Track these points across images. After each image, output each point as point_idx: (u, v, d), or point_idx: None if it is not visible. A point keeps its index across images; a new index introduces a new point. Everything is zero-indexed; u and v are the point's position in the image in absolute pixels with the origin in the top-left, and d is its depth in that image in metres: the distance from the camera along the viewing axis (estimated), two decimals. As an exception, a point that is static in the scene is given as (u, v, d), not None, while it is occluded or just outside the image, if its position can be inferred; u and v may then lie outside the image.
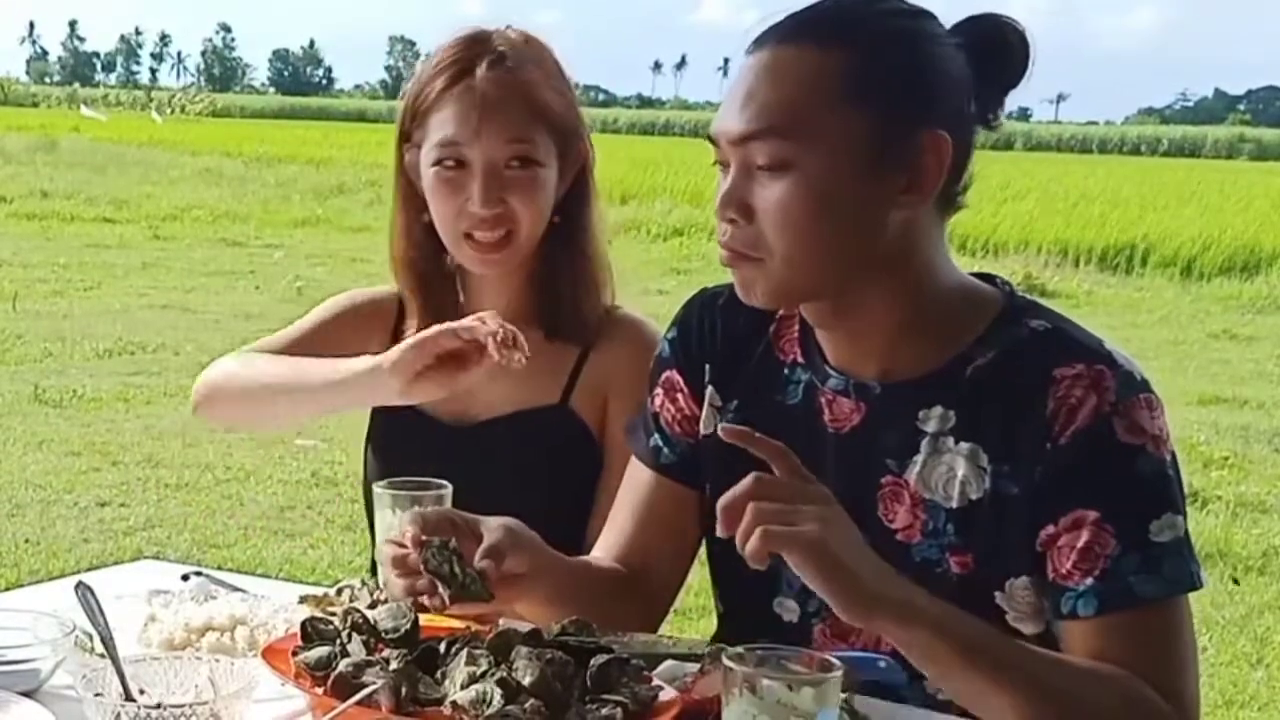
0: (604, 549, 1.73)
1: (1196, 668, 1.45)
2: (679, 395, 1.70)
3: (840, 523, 1.30)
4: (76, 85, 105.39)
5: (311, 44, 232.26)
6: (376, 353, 2.06)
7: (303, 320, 2.10)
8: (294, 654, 1.38)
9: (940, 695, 1.44)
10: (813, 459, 1.49)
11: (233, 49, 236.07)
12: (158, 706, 1.28)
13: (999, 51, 1.49)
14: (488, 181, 1.88)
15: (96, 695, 1.29)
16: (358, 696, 1.28)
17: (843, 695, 1.23)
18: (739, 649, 1.21)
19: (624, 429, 1.83)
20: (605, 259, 2.02)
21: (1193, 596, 1.45)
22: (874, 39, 1.45)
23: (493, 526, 1.51)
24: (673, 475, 1.70)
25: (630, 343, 1.99)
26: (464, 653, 1.35)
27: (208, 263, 13.27)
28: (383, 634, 1.41)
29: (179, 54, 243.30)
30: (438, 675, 1.35)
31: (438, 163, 1.91)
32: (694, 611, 4.09)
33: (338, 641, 1.40)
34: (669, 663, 1.41)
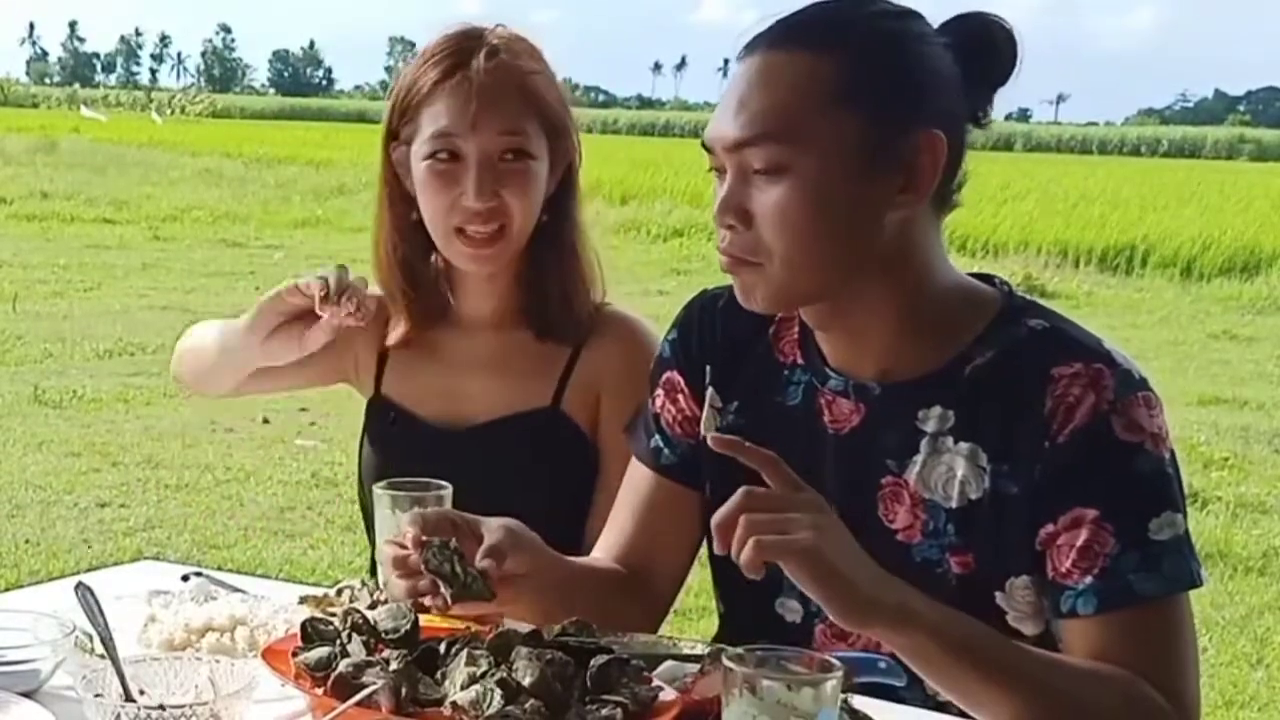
0: (604, 549, 1.73)
1: (1197, 666, 1.44)
2: (680, 396, 1.70)
3: (833, 529, 1.30)
4: (76, 86, 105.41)
5: (311, 45, 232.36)
6: (360, 352, 2.08)
7: None
8: (294, 654, 1.38)
9: (940, 696, 1.44)
10: (812, 460, 1.49)
11: (233, 50, 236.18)
12: (158, 707, 1.28)
13: (987, 50, 1.50)
14: (482, 174, 1.87)
15: (96, 696, 1.29)
16: (358, 697, 1.28)
17: (842, 695, 1.23)
18: (739, 649, 1.21)
19: (621, 428, 1.83)
20: (594, 256, 2.02)
21: (1193, 596, 1.45)
22: (864, 41, 1.46)
23: (493, 527, 1.52)
24: (673, 476, 1.70)
25: (620, 340, 1.99)
26: (464, 653, 1.35)
27: (208, 263, 13.26)
28: (383, 634, 1.41)
29: (179, 55, 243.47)
30: (438, 676, 1.35)
31: (431, 155, 1.90)
32: (694, 611, 4.10)
33: (338, 642, 1.40)
34: (669, 663, 1.41)
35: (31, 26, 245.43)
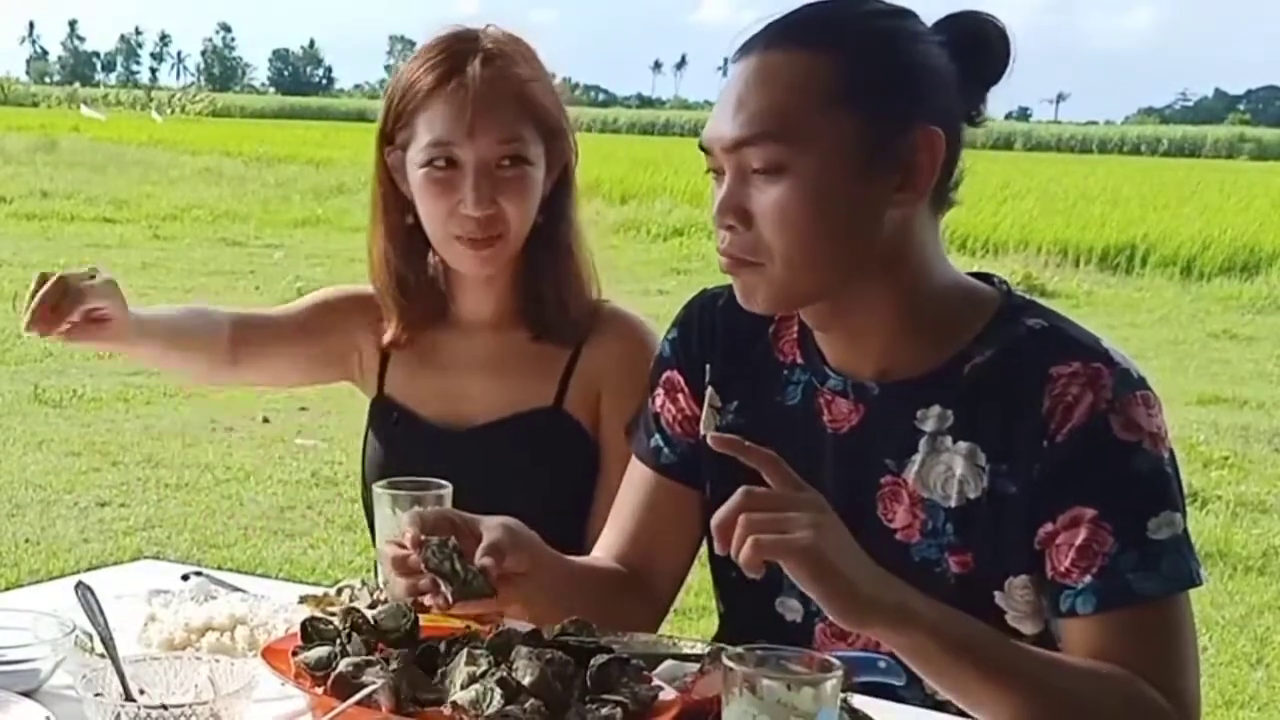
0: (604, 548, 1.73)
1: (1197, 666, 1.44)
2: (679, 395, 1.70)
3: (833, 528, 1.30)
4: (76, 85, 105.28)
5: (311, 44, 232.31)
6: (364, 350, 2.08)
7: (301, 300, 2.13)
8: (294, 654, 1.39)
9: (939, 695, 1.44)
10: (811, 460, 1.49)
11: (233, 49, 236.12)
12: (158, 706, 1.28)
13: (980, 48, 1.50)
14: (480, 182, 1.87)
15: (97, 695, 1.29)
16: (358, 696, 1.28)
17: (842, 695, 1.23)
18: (739, 649, 1.21)
19: (621, 427, 1.83)
20: (589, 255, 2.02)
21: (1193, 596, 1.45)
22: (860, 40, 1.46)
23: (492, 525, 1.52)
24: (673, 475, 1.70)
25: (619, 338, 1.99)
26: (464, 653, 1.35)
27: (208, 263, 13.26)
28: (383, 634, 1.41)
29: (179, 54, 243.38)
30: (438, 675, 1.35)
31: (428, 163, 1.89)
32: (694, 611, 4.10)
33: (338, 641, 1.40)
34: (669, 663, 1.41)
35: (31, 25, 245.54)
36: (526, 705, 1.27)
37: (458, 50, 1.90)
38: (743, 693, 1.16)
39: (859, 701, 1.34)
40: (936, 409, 1.51)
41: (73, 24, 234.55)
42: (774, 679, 1.16)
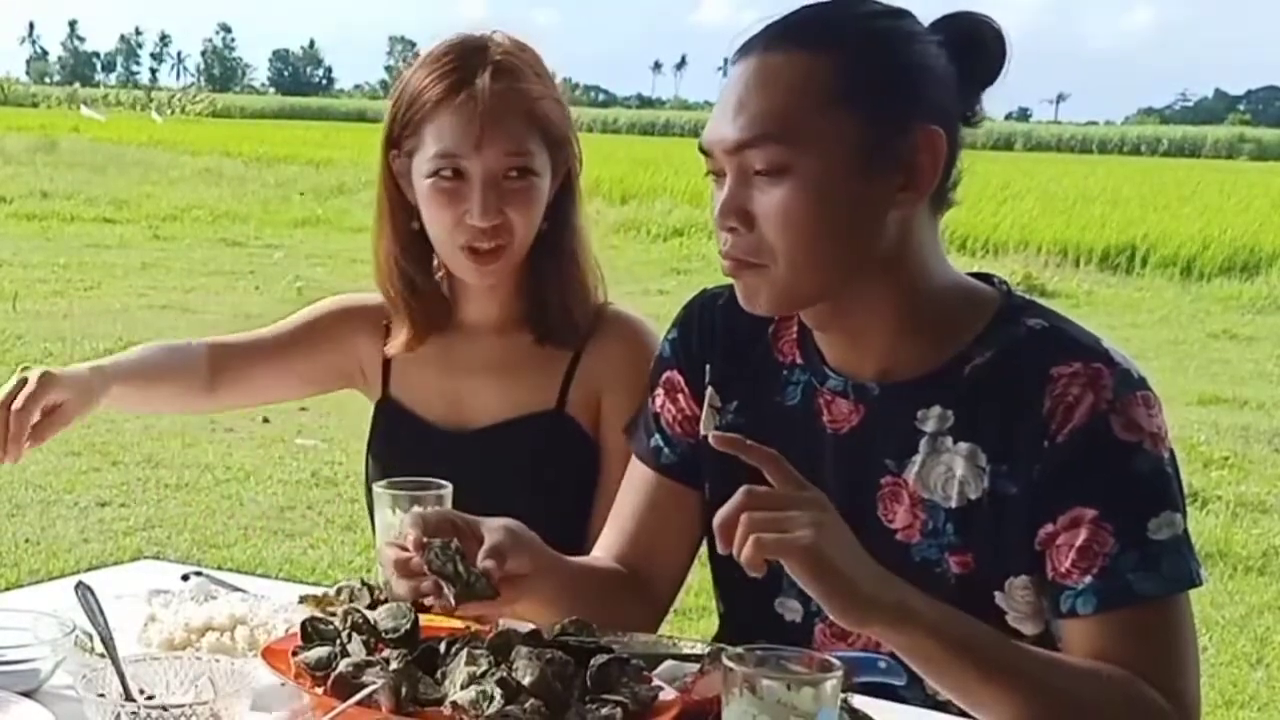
0: (604, 549, 1.73)
1: (1197, 666, 1.44)
2: (679, 395, 1.70)
3: (834, 527, 1.30)
4: (76, 85, 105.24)
5: (311, 44, 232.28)
6: (366, 358, 2.08)
7: (293, 317, 2.12)
8: (294, 654, 1.39)
9: (940, 696, 1.44)
10: (812, 460, 1.49)
11: (233, 49, 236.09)
12: (158, 706, 1.28)
13: (977, 48, 1.50)
14: (486, 193, 1.87)
15: (99, 696, 1.29)
16: (358, 696, 1.28)
17: (842, 695, 1.23)
18: (739, 649, 1.21)
19: (622, 427, 1.83)
20: (593, 260, 2.02)
21: (1193, 596, 1.45)
22: (859, 40, 1.46)
23: (493, 527, 1.51)
24: (673, 475, 1.70)
25: (620, 339, 1.99)
26: (464, 653, 1.35)
27: (208, 263, 13.26)
28: (383, 634, 1.41)
29: (179, 54, 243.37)
30: (438, 675, 1.35)
31: (435, 173, 1.89)
32: (694, 611, 4.10)
33: (338, 641, 1.40)
34: (669, 663, 1.41)
35: (31, 26, 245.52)
36: (526, 705, 1.27)
37: (467, 61, 1.90)
38: (743, 693, 1.16)
39: (859, 702, 1.34)
40: (937, 409, 1.51)
41: (73, 24, 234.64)
42: (774, 679, 1.16)
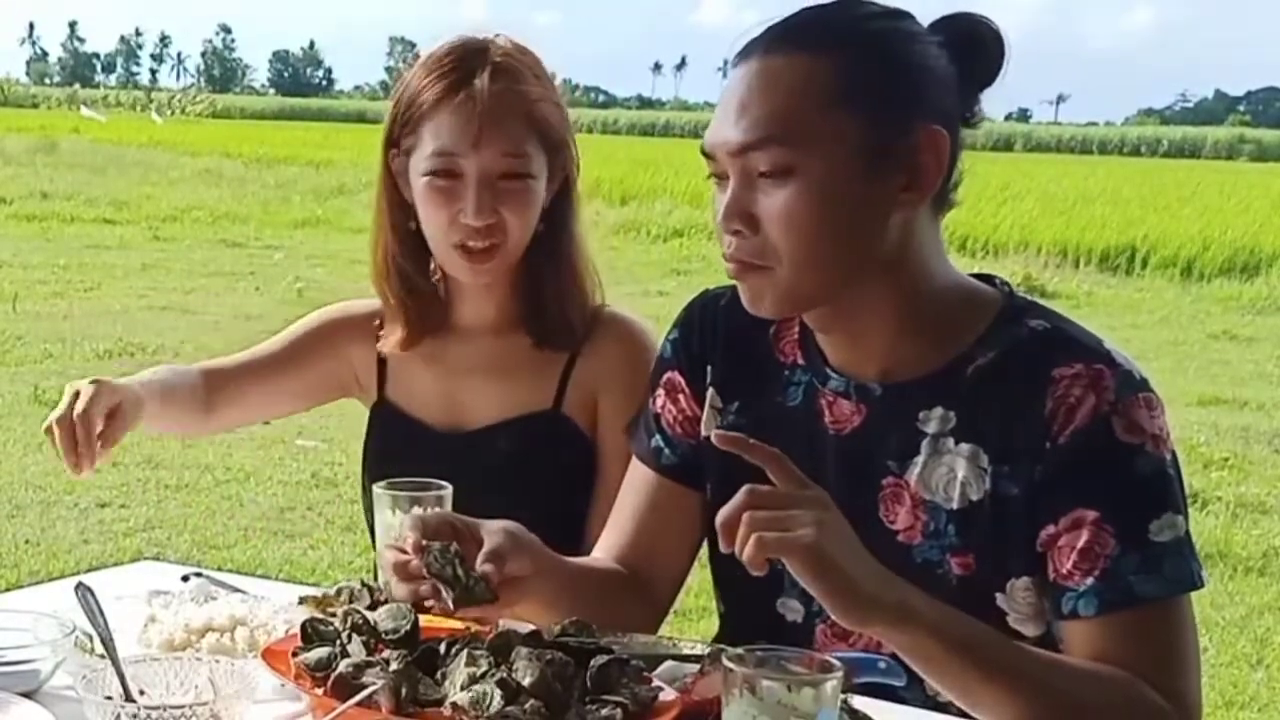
0: (605, 549, 1.73)
1: (1198, 668, 1.44)
2: (680, 396, 1.70)
3: (836, 526, 1.29)
4: (76, 86, 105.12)
5: (311, 45, 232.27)
6: (359, 364, 2.08)
7: (282, 334, 2.11)
8: (294, 655, 1.38)
9: (940, 696, 1.44)
10: (813, 461, 1.49)
11: (233, 50, 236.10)
12: (158, 707, 1.28)
13: (976, 49, 1.50)
14: (481, 193, 1.87)
15: (106, 698, 1.29)
16: (358, 697, 1.28)
17: (842, 696, 1.23)
18: (739, 650, 1.21)
19: (621, 428, 1.83)
20: (591, 263, 2.02)
21: (1193, 597, 1.45)
22: (861, 41, 1.46)
23: (493, 530, 1.51)
24: (674, 476, 1.70)
25: (617, 341, 1.99)
26: (464, 653, 1.35)
27: (208, 264, 13.26)
28: (383, 635, 1.41)
29: (179, 55, 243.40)
30: (438, 676, 1.35)
31: (431, 172, 1.90)
32: (694, 612, 4.10)
33: (338, 642, 1.40)
34: (669, 663, 1.41)
35: (31, 26, 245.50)
36: (526, 706, 1.27)
37: (467, 61, 1.90)
38: (743, 693, 1.16)
39: (859, 702, 1.34)
40: (939, 410, 1.51)
41: (73, 25, 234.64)
42: (774, 680, 1.16)
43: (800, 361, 1.61)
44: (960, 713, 1.41)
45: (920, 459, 1.51)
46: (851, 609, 1.28)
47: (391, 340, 2.04)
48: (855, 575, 1.28)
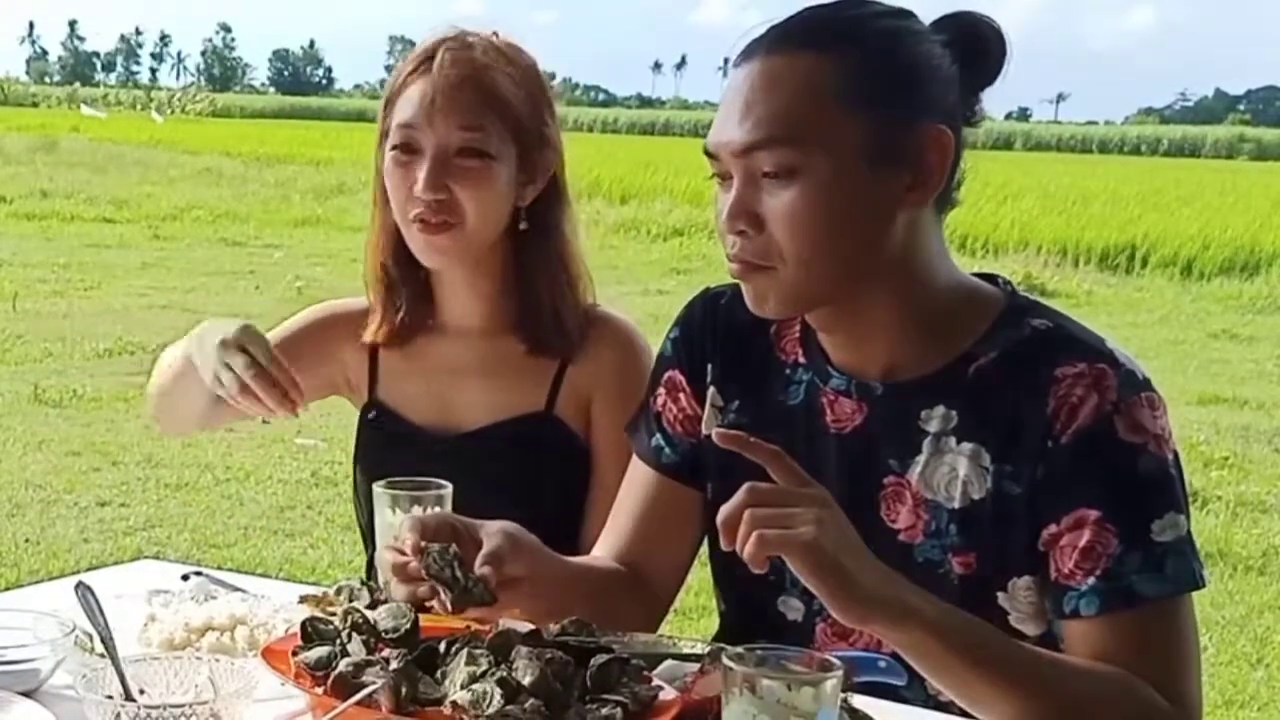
0: (605, 548, 1.73)
1: (1199, 668, 1.44)
2: (681, 395, 1.70)
3: (836, 523, 1.29)
4: (76, 85, 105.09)
5: (311, 44, 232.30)
6: (350, 363, 2.07)
7: (272, 332, 2.09)
8: (294, 654, 1.38)
9: (941, 696, 1.44)
10: (814, 460, 1.49)
11: (233, 49, 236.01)
12: (158, 706, 1.28)
13: (978, 48, 1.50)
14: (433, 166, 1.87)
15: (107, 697, 1.29)
16: (358, 696, 1.28)
17: (842, 695, 1.23)
18: (739, 649, 1.21)
19: (614, 432, 1.83)
20: (581, 263, 2.01)
21: (1194, 596, 1.45)
22: (865, 40, 1.46)
23: (492, 532, 1.51)
24: (674, 475, 1.70)
25: (610, 344, 1.98)
26: (464, 653, 1.35)
27: (208, 263, 13.26)
28: (383, 634, 1.41)
29: (179, 54, 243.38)
30: (438, 675, 1.35)
31: (395, 148, 1.91)
32: (694, 611, 4.10)
33: (338, 641, 1.40)
34: (669, 663, 1.41)
35: (31, 26, 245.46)
36: (526, 705, 1.26)
37: (437, 43, 1.92)
38: (743, 692, 1.16)
39: (859, 701, 1.34)
40: (941, 409, 1.51)
41: (73, 24, 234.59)
42: (774, 679, 1.16)
43: (802, 360, 1.61)
44: (961, 712, 1.41)
45: (922, 458, 1.51)
46: (852, 606, 1.28)
47: (373, 330, 2.03)
48: (856, 573, 1.28)
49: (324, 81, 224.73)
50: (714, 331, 1.68)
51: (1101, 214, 17.80)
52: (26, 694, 1.41)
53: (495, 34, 1.97)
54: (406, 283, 2.01)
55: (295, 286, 11.34)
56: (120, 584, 1.75)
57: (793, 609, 1.60)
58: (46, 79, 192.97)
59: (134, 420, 6.97)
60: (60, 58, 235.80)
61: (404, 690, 1.30)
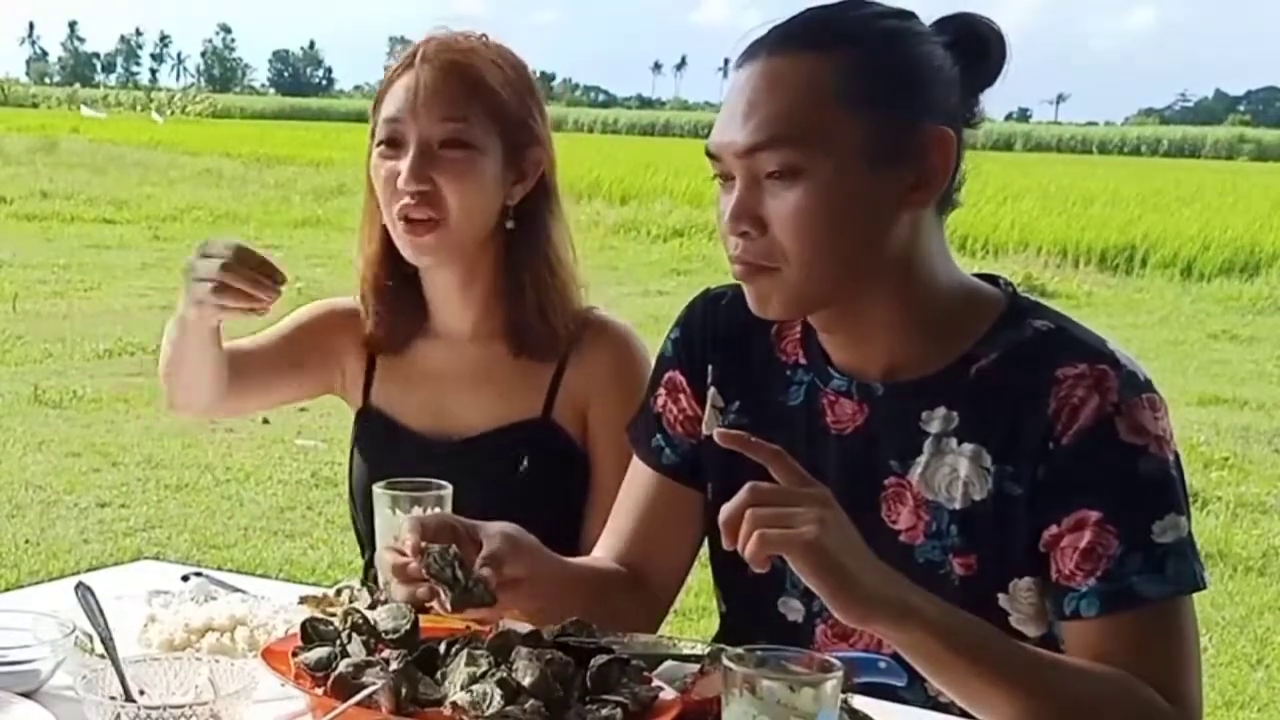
0: (605, 549, 1.73)
1: (1200, 669, 1.44)
2: (681, 395, 1.70)
3: (838, 523, 1.29)
4: (76, 86, 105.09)
5: (311, 44, 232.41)
6: (347, 362, 2.06)
7: (270, 330, 2.10)
8: (294, 654, 1.38)
9: (942, 697, 1.44)
10: (815, 460, 1.49)
11: (233, 49, 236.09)
12: (158, 707, 1.28)
13: (978, 50, 1.50)
14: (417, 158, 1.85)
15: (110, 698, 1.28)
16: (358, 697, 1.28)
17: (842, 695, 1.23)
18: (739, 649, 1.20)
19: (612, 438, 1.83)
20: (570, 267, 1.98)
21: (1194, 597, 1.45)
22: (868, 41, 1.46)
23: (492, 533, 1.51)
24: (675, 476, 1.70)
25: (606, 350, 1.97)
26: (464, 653, 1.35)
27: (208, 263, 13.24)
28: (383, 634, 1.41)
29: (179, 54, 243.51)
30: (438, 676, 1.35)
31: (380, 143, 1.90)
32: (694, 611, 4.10)
33: (338, 642, 1.40)
34: (669, 663, 1.41)
35: (31, 26, 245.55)
36: (526, 706, 1.26)
37: (423, 41, 1.91)
38: (743, 693, 1.16)
39: (859, 702, 1.34)
40: (942, 410, 1.50)
41: (73, 25, 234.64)
42: (774, 679, 1.16)
43: (802, 361, 1.61)
44: (961, 712, 1.41)
45: (923, 459, 1.51)
46: (853, 606, 1.28)
47: (366, 336, 2.03)
48: (857, 572, 1.28)
49: (324, 82, 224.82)
50: (715, 332, 1.68)
51: (1101, 215, 17.80)
52: (26, 695, 1.41)
53: (484, 36, 1.95)
54: (399, 289, 2.00)
55: (295, 287, 11.22)
56: (120, 585, 1.75)
57: (793, 610, 1.60)
58: (46, 80, 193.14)
59: (134, 421, 6.98)
60: (60, 58, 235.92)
61: (404, 691, 1.30)
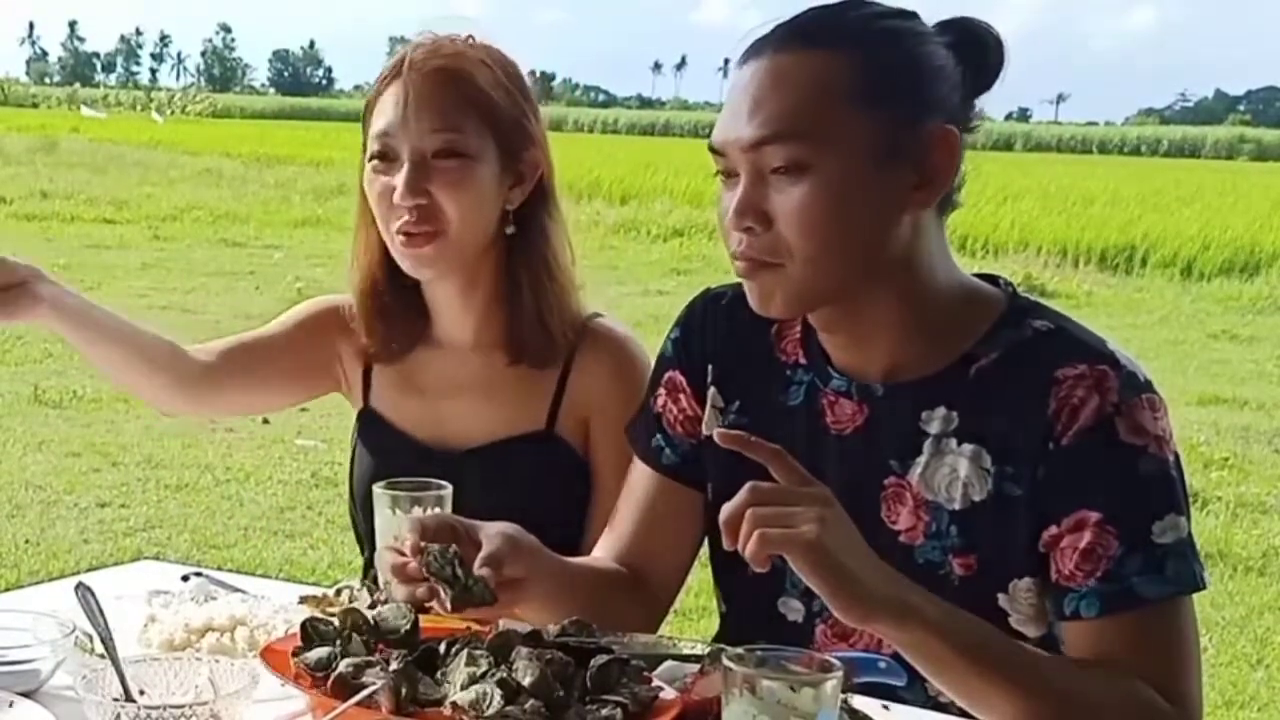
0: (605, 549, 1.73)
1: (1199, 669, 1.44)
2: (681, 395, 1.70)
3: (838, 523, 1.29)
4: (76, 86, 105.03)
5: (311, 44, 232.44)
6: (344, 360, 2.05)
7: (271, 325, 2.08)
8: (294, 654, 1.38)
9: (941, 697, 1.44)
10: (815, 460, 1.49)
11: (233, 49, 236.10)
12: (158, 707, 1.28)
13: (978, 52, 1.50)
14: (412, 171, 1.82)
15: (113, 699, 1.28)
16: (358, 697, 1.28)
17: (842, 695, 1.23)
18: (739, 649, 1.21)
19: (613, 449, 1.83)
20: (570, 271, 1.96)
21: (1194, 597, 1.45)
22: (873, 39, 1.46)
23: (491, 534, 1.51)
24: (675, 476, 1.70)
25: (609, 360, 1.94)
26: (464, 653, 1.35)
27: (208, 263, 13.26)
28: (383, 634, 1.41)
29: (179, 54, 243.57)
30: (438, 676, 1.35)
31: (372, 157, 1.87)
32: (694, 612, 4.10)
33: (338, 642, 1.40)
34: (669, 663, 1.41)
35: (31, 26, 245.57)
36: (526, 706, 1.26)
37: (411, 48, 1.88)
38: (743, 693, 1.16)
39: (859, 702, 1.34)
40: (941, 410, 1.51)
41: (72, 25, 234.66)
42: (774, 679, 1.16)
43: (802, 361, 1.61)
44: (961, 712, 1.41)
45: (922, 459, 1.51)
46: (854, 605, 1.28)
47: (364, 347, 2.01)
48: (858, 572, 1.28)
49: (324, 82, 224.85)
50: (714, 332, 1.68)
51: (1101, 214, 17.80)
52: (26, 694, 1.41)
53: (470, 36, 1.92)
54: (398, 302, 1.97)
55: (295, 287, 11.31)
56: (120, 585, 1.75)
57: (793, 610, 1.60)
58: (46, 80, 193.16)
59: (134, 421, 6.97)
60: (60, 58, 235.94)
61: (404, 691, 1.30)
